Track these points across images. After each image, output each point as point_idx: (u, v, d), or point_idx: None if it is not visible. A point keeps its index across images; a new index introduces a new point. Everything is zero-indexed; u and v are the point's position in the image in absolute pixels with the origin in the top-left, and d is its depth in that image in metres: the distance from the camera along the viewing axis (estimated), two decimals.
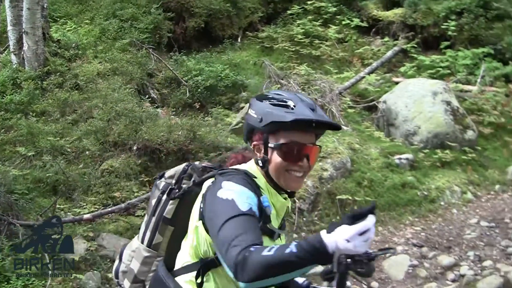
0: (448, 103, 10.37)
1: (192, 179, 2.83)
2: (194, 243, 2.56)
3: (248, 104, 2.76)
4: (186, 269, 2.64)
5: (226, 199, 2.34)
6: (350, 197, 7.98)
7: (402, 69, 13.06)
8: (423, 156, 9.61)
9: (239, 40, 13.75)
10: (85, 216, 6.64)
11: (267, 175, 2.59)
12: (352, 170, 8.58)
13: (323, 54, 13.09)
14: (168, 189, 2.82)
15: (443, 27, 13.54)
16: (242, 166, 2.68)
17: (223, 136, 8.62)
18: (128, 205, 6.89)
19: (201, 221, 2.50)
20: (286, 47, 12.89)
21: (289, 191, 2.63)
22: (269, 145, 2.55)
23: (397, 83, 12.02)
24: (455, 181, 9.23)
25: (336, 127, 2.66)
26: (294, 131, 2.51)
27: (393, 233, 7.83)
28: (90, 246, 6.29)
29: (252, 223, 2.28)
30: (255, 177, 2.56)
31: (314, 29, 13.47)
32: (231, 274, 2.11)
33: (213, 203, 2.39)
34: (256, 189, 2.49)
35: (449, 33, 13.39)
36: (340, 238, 1.98)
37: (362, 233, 1.98)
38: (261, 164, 2.58)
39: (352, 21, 14.12)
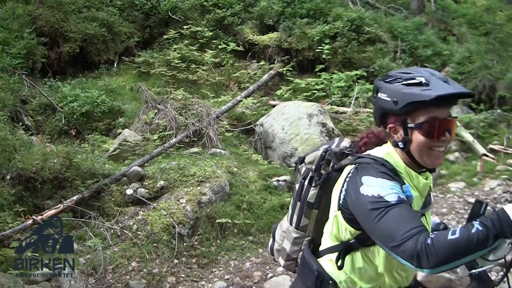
0: (324, 124, 10.58)
1: (331, 164, 2.92)
2: (334, 230, 2.74)
3: (373, 87, 2.77)
4: (328, 250, 2.82)
5: (372, 195, 2.42)
6: (229, 221, 7.99)
7: (278, 92, 13.24)
8: None
9: (115, 65, 13.58)
10: None
11: (408, 155, 2.64)
12: (231, 194, 8.61)
13: (200, 78, 13.11)
14: (309, 177, 2.97)
15: (317, 50, 13.93)
16: (378, 151, 2.73)
17: (100, 163, 8.46)
18: (2, 236, 6.65)
19: (339, 211, 2.67)
20: (163, 72, 12.82)
21: (430, 167, 2.69)
22: (409, 125, 2.59)
23: (273, 106, 12.19)
24: None
25: (470, 95, 2.65)
26: (433, 108, 2.52)
27: None
28: None
29: (407, 210, 2.39)
30: (393, 167, 2.60)
31: (190, 53, 13.47)
32: (409, 264, 2.22)
33: (359, 200, 2.49)
34: (396, 178, 2.55)
35: (324, 56, 13.79)
36: None
37: None
38: (401, 146, 2.64)
39: (228, 45, 14.20)
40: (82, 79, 12.44)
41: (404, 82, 2.59)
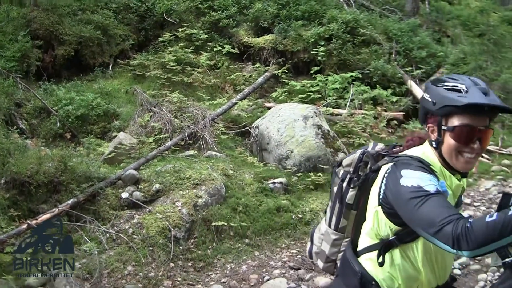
0: (319, 126, 10.55)
1: (368, 165, 3.06)
2: (375, 226, 2.84)
3: (424, 88, 2.92)
4: (367, 249, 2.93)
5: (412, 186, 2.54)
6: (225, 223, 7.97)
7: (273, 94, 13.28)
8: (297, 180, 9.68)
9: (110, 68, 13.54)
10: None
11: (440, 156, 2.78)
12: (227, 196, 8.58)
13: (195, 81, 13.10)
14: (348, 179, 3.10)
15: (312, 52, 13.99)
16: (415, 151, 2.87)
17: (96, 166, 8.41)
18: None
19: (380, 207, 2.78)
20: (158, 75, 12.78)
21: (461, 171, 2.80)
22: (443, 127, 2.73)
23: (269, 108, 12.16)
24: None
25: (508, 111, 2.78)
26: (467, 115, 2.65)
27: (270, 257, 7.87)
28: None
29: (445, 200, 2.50)
30: (430, 164, 2.72)
31: (185, 56, 13.47)
32: (448, 248, 2.31)
33: (399, 191, 2.60)
34: (433, 174, 2.66)
35: (319, 58, 13.86)
36: None
37: None
38: (434, 145, 2.79)
39: (223, 47, 14.21)
40: (77, 82, 12.40)
41: (446, 87, 2.73)
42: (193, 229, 7.90)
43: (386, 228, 2.78)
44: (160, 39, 14.23)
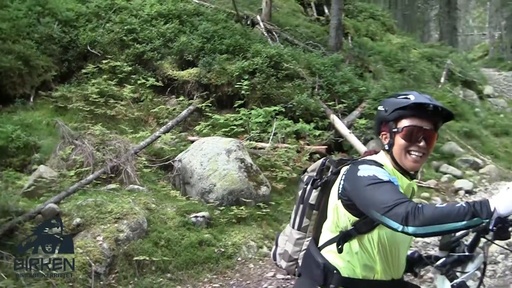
0: (242, 160, 10.64)
1: (330, 170, 3.38)
2: (335, 219, 3.15)
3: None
4: (328, 242, 3.21)
5: (368, 175, 2.88)
6: (147, 258, 7.92)
7: (197, 128, 13.29)
8: (219, 213, 9.72)
9: (31, 99, 13.20)
10: None
11: (392, 159, 3.12)
12: (149, 230, 8.52)
13: (118, 113, 12.96)
14: (312, 180, 3.40)
15: (236, 86, 14.07)
16: (371, 157, 3.20)
17: (14, 200, 8.23)
18: None
19: (339, 200, 3.10)
20: (81, 107, 12.56)
21: (410, 172, 3.13)
22: (393, 130, 3.09)
23: (192, 142, 12.16)
24: (251, 236, 9.45)
25: (450, 114, 3.11)
26: (414, 117, 3.03)
27: None
28: None
29: (397, 187, 2.84)
30: (382, 165, 3.03)
31: (109, 88, 13.30)
32: (395, 225, 2.60)
33: (356, 181, 2.92)
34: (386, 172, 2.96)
35: (243, 92, 13.92)
36: (504, 198, 2.51)
37: None
38: (387, 148, 3.14)
39: (147, 80, 14.12)
40: None
41: (397, 96, 3.16)
42: (114, 264, 7.80)
43: (345, 219, 3.08)
44: (84, 70, 13.99)
